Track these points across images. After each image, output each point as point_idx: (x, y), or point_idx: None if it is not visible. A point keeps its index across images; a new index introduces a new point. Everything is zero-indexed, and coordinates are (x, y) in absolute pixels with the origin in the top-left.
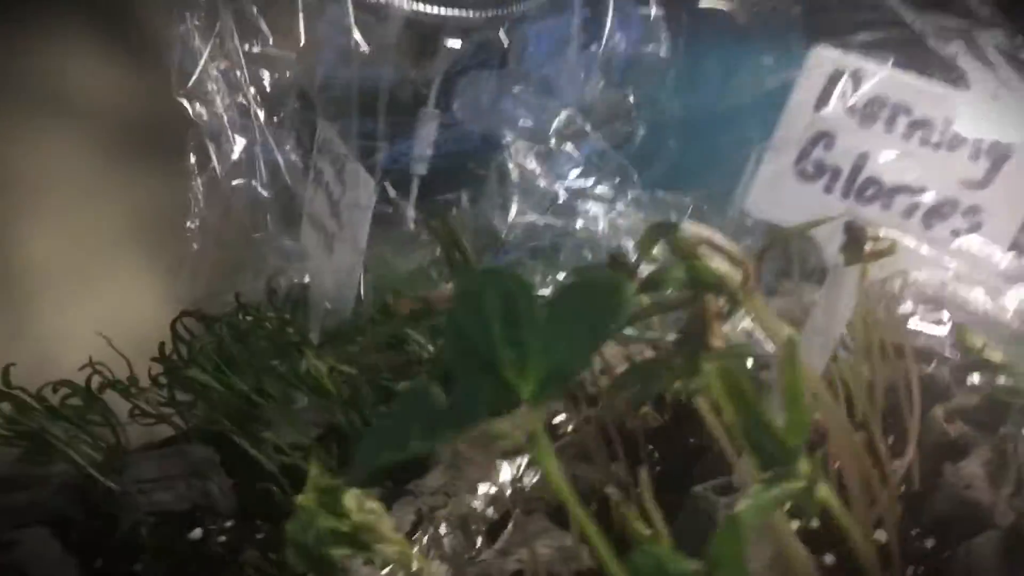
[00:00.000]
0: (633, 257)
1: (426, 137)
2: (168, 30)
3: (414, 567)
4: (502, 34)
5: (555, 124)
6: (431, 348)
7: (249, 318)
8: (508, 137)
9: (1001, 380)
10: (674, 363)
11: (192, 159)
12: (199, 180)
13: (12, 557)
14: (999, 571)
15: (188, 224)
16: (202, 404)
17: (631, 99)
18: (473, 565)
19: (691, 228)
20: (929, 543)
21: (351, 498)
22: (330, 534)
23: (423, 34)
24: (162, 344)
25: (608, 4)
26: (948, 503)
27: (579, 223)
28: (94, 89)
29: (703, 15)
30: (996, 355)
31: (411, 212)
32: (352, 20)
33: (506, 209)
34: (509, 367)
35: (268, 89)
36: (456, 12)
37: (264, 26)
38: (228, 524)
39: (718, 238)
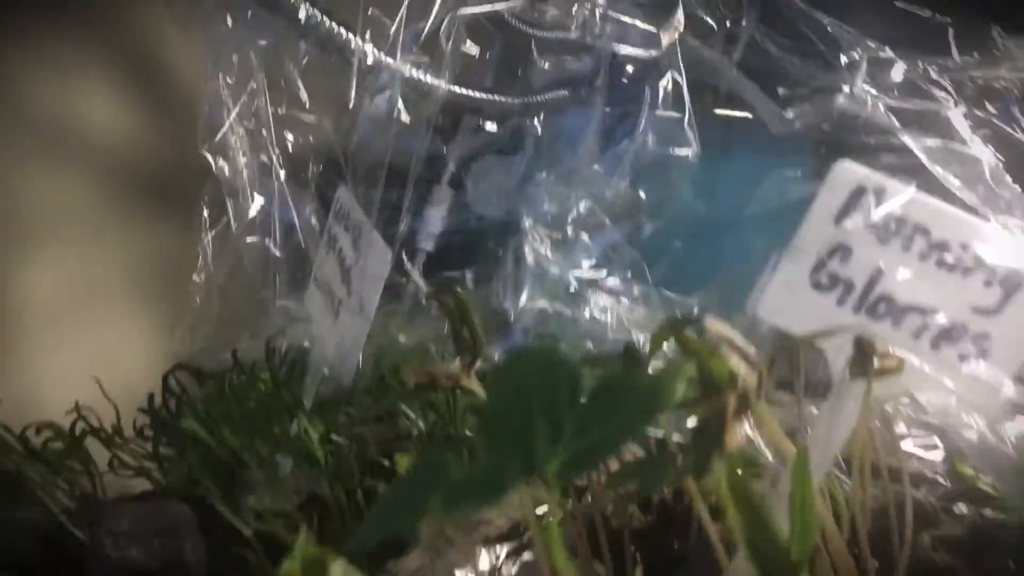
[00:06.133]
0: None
1: (436, 214)
2: (193, 81)
3: None
4: (536, 122)
5: (573, 214)
6: (422, 424)
7: (243, 377)
8: (526, 222)
9: (989, 512)
10: (683, 460)
11: (205, 213)
12: (210, 235)
13: None
14: None
15: (194, 278)
16: (184, 461)
17: (646, 197)
18: None
19: (713, 325)
20: None
21: (338, 569)
22: None
23: (458, 114)
24: (151, 395)
25: (643, 104)
26: None
27: (587, 313)
28: (108, 132)
29: (735, 122)
30: (986, 486)
31: (421, 286)
32: (399, 92)
33: (518, 293)
34: (542, 441)
35: (291, 151)
36: (492, 97)
37: (302, 88)
38: None
39: (738, 338)
